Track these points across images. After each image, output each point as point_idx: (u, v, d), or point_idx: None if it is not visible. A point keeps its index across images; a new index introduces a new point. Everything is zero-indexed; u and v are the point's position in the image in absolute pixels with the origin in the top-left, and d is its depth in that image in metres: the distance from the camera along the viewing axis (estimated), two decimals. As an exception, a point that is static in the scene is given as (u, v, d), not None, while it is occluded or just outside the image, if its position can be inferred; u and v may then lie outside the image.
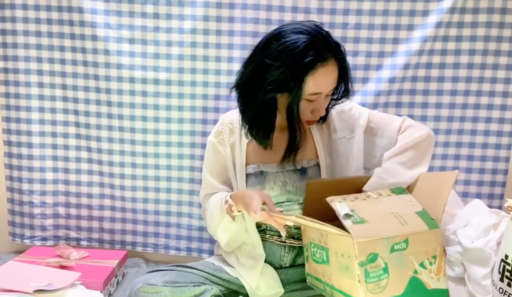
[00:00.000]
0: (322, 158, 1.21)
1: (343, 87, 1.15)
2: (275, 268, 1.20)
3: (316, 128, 1.23)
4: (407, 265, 0.90)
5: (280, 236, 1.18)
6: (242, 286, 1.16)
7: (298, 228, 1.19)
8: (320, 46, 1.05)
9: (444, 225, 1.30)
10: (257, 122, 1.16)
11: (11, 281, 1.13)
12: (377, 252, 0.88)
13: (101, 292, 1.24)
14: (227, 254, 1.24)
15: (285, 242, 1.18)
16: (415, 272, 0.91)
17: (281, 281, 1.17)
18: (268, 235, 1.19)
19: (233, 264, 1.20)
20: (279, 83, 1.07)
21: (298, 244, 1.19)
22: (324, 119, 1.23)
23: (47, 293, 1.07)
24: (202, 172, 1.29)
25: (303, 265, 1.18)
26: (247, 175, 1.20)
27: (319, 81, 1.07)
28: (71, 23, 1.48)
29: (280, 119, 1.18)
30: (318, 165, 1.21)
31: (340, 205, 0.96)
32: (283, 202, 1.19)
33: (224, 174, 1.25)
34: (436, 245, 0.93)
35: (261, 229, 1.20)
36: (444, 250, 0.96)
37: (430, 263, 0.92)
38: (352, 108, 1.24)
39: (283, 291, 1.16)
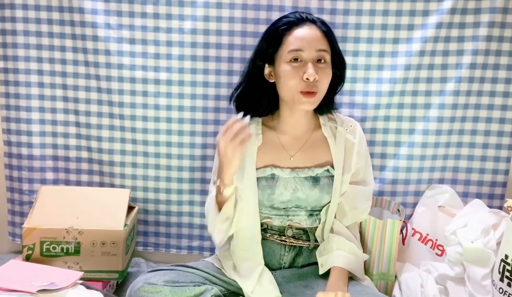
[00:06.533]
0: (338, 168, 1.19)
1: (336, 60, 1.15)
2: (274, 269, 1.20)
3: (334, 137, 1.20)
4: None
5: (280, 235, 1.19)
6: (241, 288, 1.17)
7: (299, 229, 1.19)
8: (297, 15, 1.13)
9: (444, 225, 1.30)
10: (244, 100, 1.19)
11: (13, 281, 1.12)
12: None
13: (101, 292, 1.24)
14: (224, 258, 1.23)
15: (285, 241, 1.19)
16: None
17: (281, 281, 1.17)
18: (269, 234, 1.20)
19: (228, 270, 1.20)
20: (261, 49, 1.15)
21: (298, 243, 1.19)
22: (327, 106, 1.20)
23: (48, 293, 1.07)
24: None
25: (302, 266, 1.19)
26: (258, 178, 1.18)
27: (297, 36, 1.10)
28: (72, 23, 1.48)
29: (294, 123, 1.18)
30: (332, 176, 1.18)
31: None
32: (291, 208, 1.18)
33: None
34: None
35: (262, 228, 1.20)
36: None
37: None
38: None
39: (280, 295, 1.14)
